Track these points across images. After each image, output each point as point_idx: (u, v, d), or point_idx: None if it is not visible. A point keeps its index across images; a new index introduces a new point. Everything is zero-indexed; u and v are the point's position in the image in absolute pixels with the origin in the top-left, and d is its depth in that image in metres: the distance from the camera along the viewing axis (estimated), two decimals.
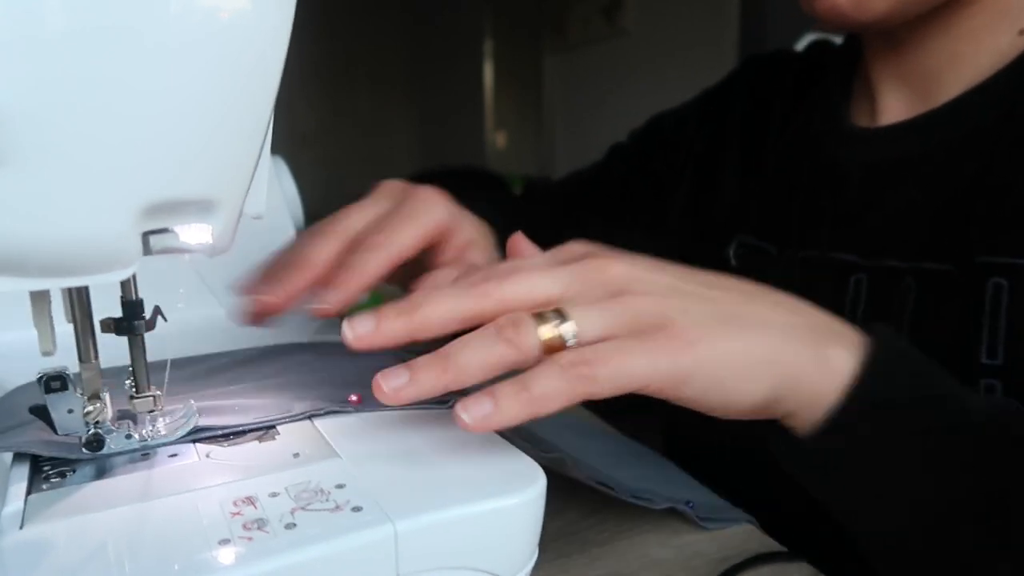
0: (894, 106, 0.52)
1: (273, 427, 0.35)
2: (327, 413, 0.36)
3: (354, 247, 0.43)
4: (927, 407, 0.33)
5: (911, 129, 0.49)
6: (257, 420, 0.35)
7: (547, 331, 0.31)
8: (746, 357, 0.32)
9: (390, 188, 0.48)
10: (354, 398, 0.37)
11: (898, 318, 0.46)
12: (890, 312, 0.47)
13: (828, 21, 0.47)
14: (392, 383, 0.30)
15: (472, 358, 0.31)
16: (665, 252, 0.67)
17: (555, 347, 0.31)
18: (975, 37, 0.47)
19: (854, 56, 0.57)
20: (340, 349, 0.45)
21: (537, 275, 0.33)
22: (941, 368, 0.34)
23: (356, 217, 0.45)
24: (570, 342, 0.31)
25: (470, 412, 0.29)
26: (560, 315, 0.31)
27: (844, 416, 0.32)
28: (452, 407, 0.30)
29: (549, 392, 0.29)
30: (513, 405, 0.29)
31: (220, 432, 0.34)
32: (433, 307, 0.32)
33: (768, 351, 0.32)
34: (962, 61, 0.48)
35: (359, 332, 0.31)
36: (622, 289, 0.33)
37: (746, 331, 0.32)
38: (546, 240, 0.65)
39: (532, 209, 0.75)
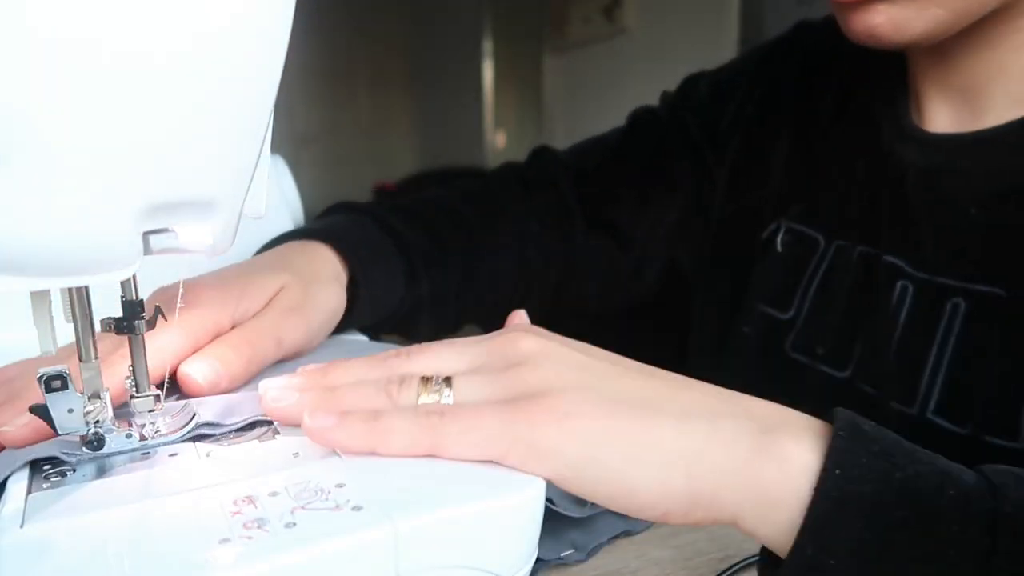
0: (940, 115, 0.50)
1: (273, 425, 0.35)
2: None
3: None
4: (906, 495, 0.27)
5: (972, 144, 0.47)
6: (256, 417, 0.35)
7: (427, 396, 0.31)
8: (640, 440, 0.28)
9: None
10: None
11: (943, 338, 0.45)
12: (934, 330, 0.46)
13: (866, 43, 0.45)
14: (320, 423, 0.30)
15: (356, 404, 0.31)
16: (701, 238, 0.64)
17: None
18: (1023, 50, 0.45)
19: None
20: (333, 343, 0.45)
21: (446, 351, 0.33)
22: (909, 444, 0.29)
23: None
24: None
25: (314, 418, 0.30)
26: (447, 383, 0.31)
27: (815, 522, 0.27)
28: None
29: (394, 430, 0.29)
30: (357, 429, 0.29)
31: (220, 431, 0.34)
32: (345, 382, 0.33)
33: (676, 438, 0.28)
34: (1009, 75, 0.46)
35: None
36: (522, 361, 0.31)
37: (648, 415, 0.29)
38: (559, 231, 0.64)
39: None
